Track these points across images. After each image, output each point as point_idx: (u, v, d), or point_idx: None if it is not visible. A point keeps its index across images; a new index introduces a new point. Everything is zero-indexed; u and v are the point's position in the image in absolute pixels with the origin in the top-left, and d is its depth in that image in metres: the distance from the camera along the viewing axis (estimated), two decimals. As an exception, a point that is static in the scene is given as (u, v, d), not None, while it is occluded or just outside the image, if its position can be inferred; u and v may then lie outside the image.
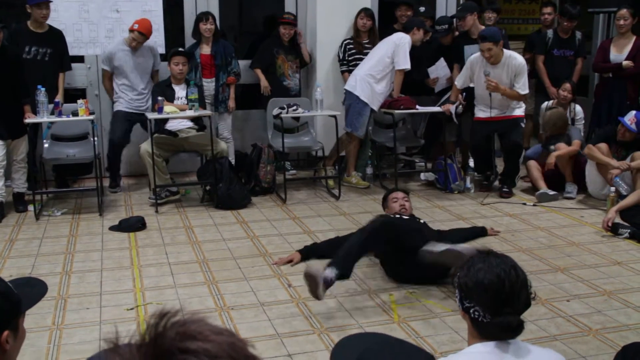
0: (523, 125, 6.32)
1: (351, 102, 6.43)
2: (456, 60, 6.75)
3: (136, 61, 6.35)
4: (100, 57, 6.57)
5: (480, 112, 6.22)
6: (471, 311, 1.78)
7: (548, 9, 7.58)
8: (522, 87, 6.02)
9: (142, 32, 6.19)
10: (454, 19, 6.98)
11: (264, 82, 6.83)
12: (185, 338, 0.79)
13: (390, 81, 6.42)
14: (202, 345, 0.78)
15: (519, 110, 6.16)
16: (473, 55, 6.13)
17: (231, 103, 6.70)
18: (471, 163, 6.79)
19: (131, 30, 6.21)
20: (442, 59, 6.86)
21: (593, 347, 3.24)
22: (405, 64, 6.29)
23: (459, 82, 6.28)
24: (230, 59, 6.63)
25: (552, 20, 7.61)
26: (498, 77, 5.98)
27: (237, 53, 6.90)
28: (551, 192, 6.00)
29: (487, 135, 6.24)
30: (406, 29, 6.45)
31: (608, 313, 3.63)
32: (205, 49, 6.57)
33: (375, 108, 6.47)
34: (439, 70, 6.90)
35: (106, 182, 6.53)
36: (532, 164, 6.32)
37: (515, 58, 6.04)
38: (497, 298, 1.75)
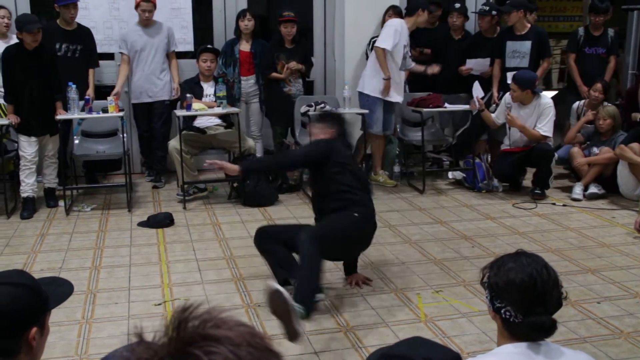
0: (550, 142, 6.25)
1: (362, 102, 6.40)
2: (497, 56, 6.67)
3: (149, 39, 6.33)
4: (116, 43, 6.61)
5: (504, 144, 6.31)
6: (502, 311, 1.76)
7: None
8: (544, 128, 5.96)
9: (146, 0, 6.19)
10: (498, 10, 6.89)
11: (282, 75, 6.57)
12: (207, 326, 0.80)
13: (399, 68, 6.33)
14: (225, 333, 0.79)
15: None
16: (508, 94, 6.13)
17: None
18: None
19: (137, 6, 6.21)
20: (487, 60, 6.78)
21: (625, 350, 3.18)
22: (382, 42, 6.18)
23: (496, 116, 6.26)
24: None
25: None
26: (525, 117, 5.99)
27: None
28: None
29: (511, 162, 6.15)
30: (410, 11, 6.35)
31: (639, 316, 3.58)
32: (245, 46, 6.55)
33: (393, 99, 6.37)
34: (478, 64, 6.82)
35: (136, 178, 6.60)
36: (576, 151, 6.25)
37: (543, 97, 6.05)
38: (529, 297, 1.73)
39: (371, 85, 6.32)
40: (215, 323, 0.81)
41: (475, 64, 6.80)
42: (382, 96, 6.31)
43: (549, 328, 1.73)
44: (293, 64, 6.45)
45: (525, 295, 1.73)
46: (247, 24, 6.46)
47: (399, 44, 6.20)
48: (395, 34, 6.16)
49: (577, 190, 6.02)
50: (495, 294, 1.78)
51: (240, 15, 6.52)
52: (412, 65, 6.48)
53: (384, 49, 6.15)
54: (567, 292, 1.83)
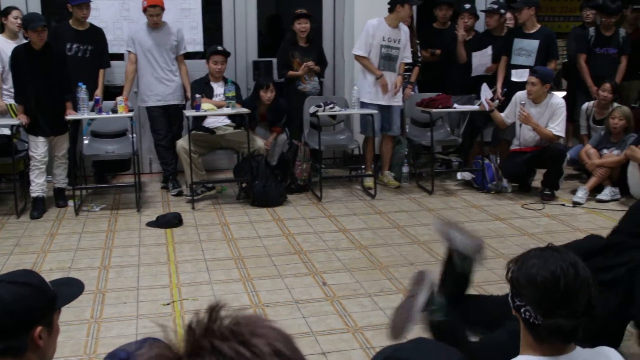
0: (562, 141, 6.22)
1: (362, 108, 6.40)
2: (504, 52, 6.65)
3: (158, 39, 6.22)
4: (124, 42, 6.50)
5: (514, 144, 6.26)
6: (522, 310, 1.62)
7: (591, 11, 7.42)
8: (557, 128, 5.94)
9: (154, 4, 6.06)
10: (508, 9, 6.87)
11: (299, 72, 6.57)
12: (242, 323, 0.80)
13: (380, 67, 6.30)
14: (259, 330, 0.79)
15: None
16: (519, 92, 6.11)
17: None
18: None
19: (144, 11, 6.13)
20: (489, 47, 6.77)
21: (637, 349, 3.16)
22: (355, 50, 6.25)
23: (505, 115, 6.23)
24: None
25: (595, 19, 7.45)
26: (537, 116, 5.96)
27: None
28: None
29: (521, 162, 6.13)
30: (390, 8, 6.29)
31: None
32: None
33: (385, 102, 6.32)
34: (483, 57, 6.80)
35: (145, 178, 6.61)
36: (592, 152, 6.21)
37: (555, 97, 6.02)
38: (551, 298, 1.58)
39: (364, 89, 6.32)
40: (249, 320, 0.80)
41: (480, 56, 6.77)
42: (380, 102, 6.31)
43: (569, 333, 1.58)
44: (311, 64, 6.47)
45: (546, 295, 1.58)
46: (305, 26, 6.49)
47: (374, 43, 6.21)
48: (366, 37, 6.19)
49: (580, 194, 5.96)
50: (516, 290, 1.64)
51: (296, 18, 6.49)
52: (407, 60, 6.46)
53: (362, 55, 6.21)
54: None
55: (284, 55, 6.59)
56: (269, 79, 6.39)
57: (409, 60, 6.51)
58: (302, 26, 6.48)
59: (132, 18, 6.75)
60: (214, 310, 0.80)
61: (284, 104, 6.44)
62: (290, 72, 6.55)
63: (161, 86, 6.27)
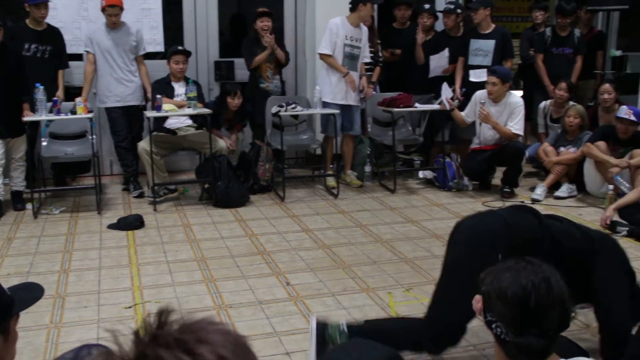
0: (521, 140, 6.33)
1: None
2: (461, 54, 6.74)
3: (117, 40, 6.13)
4: (83, 42, 6.38)
5: (474, 143, 6.38)
6: (493, 326, 1.55)
7: (540, 12, 7.58)
8: (516, 126, 6.06)
9: (112, 4, 5.97)
10: (464, 8, 6.96)
11: (270, 45, 6.48)
12: (188, 329, 0.79)
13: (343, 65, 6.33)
14: (206, 336, 0.78)
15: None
16: (479, 92, 6.20)
17: None
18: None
19: (103, 10, 6.03)
20: (446, 50, 6.85)
21: (593, 343, 3.24)
22: (320, 49, 6.27)
23: (465, 114, 6.32)
24: None
25: (545, 19, 7.61)
26: (496, 115, 6.06)
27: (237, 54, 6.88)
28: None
29: (481, 161, 6.23)
30: (353, 6, 6.30)
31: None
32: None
33: (346, 102, 6.34)
34: (440, 59, 6.87)
35: (106, 180, 6.53)
36: (550, 150, 6.31)
37: (514, 96, 6.15)
38: (520, 315, 1.51)
39: (326, 89, 6.33)
40: (196, 326, 0.80)
41: (438, 58, 6.84)
42: (341, 101, 6.32)
43: (538, 352, 1.51)
44: (272, 41, 6.44)
45: (515, 312, 1.51)
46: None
47: (337, 42, 6.23)
48: (331, 36, 6.21)
49: (539, 191, 6.08)
50: (488, 304, 1.57)
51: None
52: (367, 60, 6.49)
53: (327, 54, 6.22)
54: (576, 312, 1.61)
55: (248, 50, 6.58)
56: (236, 86, 6.36)
57: (368, 60, 6.55)
58: (264, 24, 6.46)
59: (90, 18, 6.65)
60: (162, 315, 0.79)
61: (249, 109, 6.46)
62: (258, 58, 6.49)
63: (120, 87, 6.18)
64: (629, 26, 8.52)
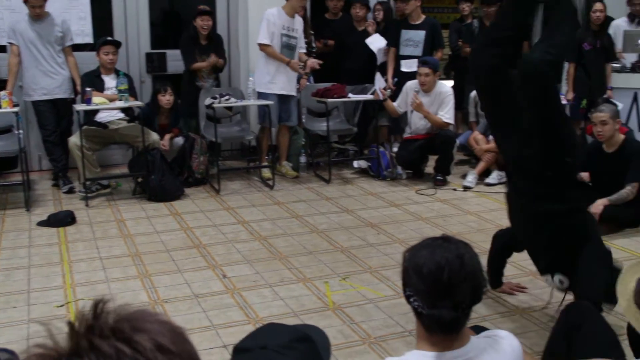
0: (451, 128, 6.48)
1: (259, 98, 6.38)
2: (392, 44, 6.83)
3: (41, 31, 5.92)
4: (6, 33, 6.13)
5: (406, 132, 6.51)
6: (411, 299, 1.65)
7: (466, 4, 7.73)
8: (446, 115, 6.20)
9: None
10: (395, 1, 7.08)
11: (210, 62, 6.49)
12: (125, 319, 0.78)
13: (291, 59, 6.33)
14: (144, 325, 0.78)
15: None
16: (409, 82, 6.30)
17: None
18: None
19: (25, 1, 5.80)
20: (377, 34, 6.93)
21: (519, 326, 3.36)
22: (259, 39, 6.23)
23: (397, 105, 6.41)
24: None
25: (471, 11, 7.76)
26: (427, 105, 6.18)
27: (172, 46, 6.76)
28: None
29: (414, 149, 6.35)
30: None
31: (533, 292, 3.77)
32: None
33: (283, 92, 6.32)
34: (376, 42, 6.94)
35: (35, 176, 6.33)
36: (480, 137, 6.44)
37: (443, 86, 6.28)
38: (434, 289, 1.61)
39: (261, 80, 6.30)
40: (133, 316, 0.79)
41: (374, 41, 6.91)
42: (274, 91, 6.29)
43: (449, 323, 1.62)
44: (214, 59, 6.44)
45: (429, 286, 1.61)
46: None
47: (275, 32, 6.23)
48: (268, 26, 6.19)
49: (470, 178, 6.24)
50: (406, 280, 1.67)
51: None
52: (302, 50, 6.51)
53: (266, 44, 6.20)
54: (488, 287, 1.74)
55: (188, 47, 6.50)
56: (166, 83, 6.27)
57: (304, 51, 6.56)
58: (204, 23, 6.41)
59: (13, 8, 6.40)
60: (97, 307, 0.79)
61: (181, 114, 6.43)
62: (197, 64, 6.46)
63: (47, 79, 5.98)
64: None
